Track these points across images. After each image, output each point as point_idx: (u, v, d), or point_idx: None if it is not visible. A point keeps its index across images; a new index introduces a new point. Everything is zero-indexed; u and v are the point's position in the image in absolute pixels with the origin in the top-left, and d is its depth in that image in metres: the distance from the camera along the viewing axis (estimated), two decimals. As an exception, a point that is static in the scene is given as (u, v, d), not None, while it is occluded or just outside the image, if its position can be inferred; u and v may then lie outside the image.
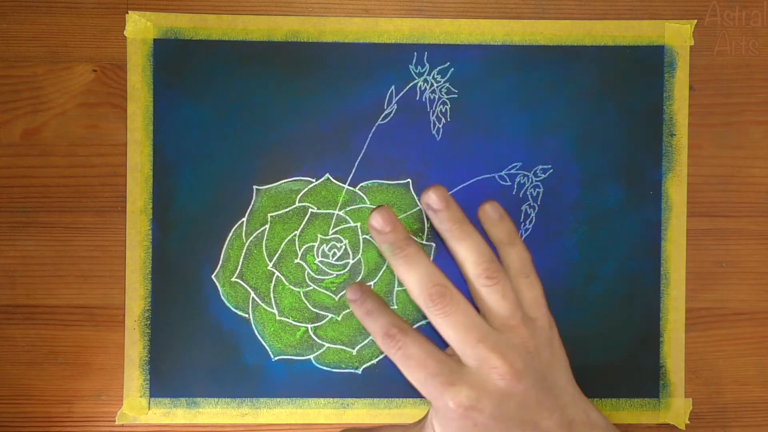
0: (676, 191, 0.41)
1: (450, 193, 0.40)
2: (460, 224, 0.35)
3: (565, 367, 0.36)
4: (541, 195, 0.41)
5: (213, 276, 0.40)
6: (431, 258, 0.40)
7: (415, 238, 0.40)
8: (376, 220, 0.35)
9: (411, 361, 0.34)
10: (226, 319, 0.40)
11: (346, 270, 0.41)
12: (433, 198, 0.35)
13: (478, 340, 0.33)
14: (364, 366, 0.41)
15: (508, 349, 0.33)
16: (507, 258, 0.36)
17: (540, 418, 0.34)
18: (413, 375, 0.34)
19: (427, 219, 0.41)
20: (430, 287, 0.34)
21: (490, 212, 0.36)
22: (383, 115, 0.41)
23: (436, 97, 0.41)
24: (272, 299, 0.40)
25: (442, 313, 0.33)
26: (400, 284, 0.40)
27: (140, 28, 0.40)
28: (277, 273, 0.41)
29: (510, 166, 0.41)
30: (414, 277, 0.34)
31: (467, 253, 0.34)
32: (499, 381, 0.33)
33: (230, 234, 0.40)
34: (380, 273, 0.41)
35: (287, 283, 0.41)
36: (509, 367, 0.33)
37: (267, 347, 0.40)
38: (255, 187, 0.40)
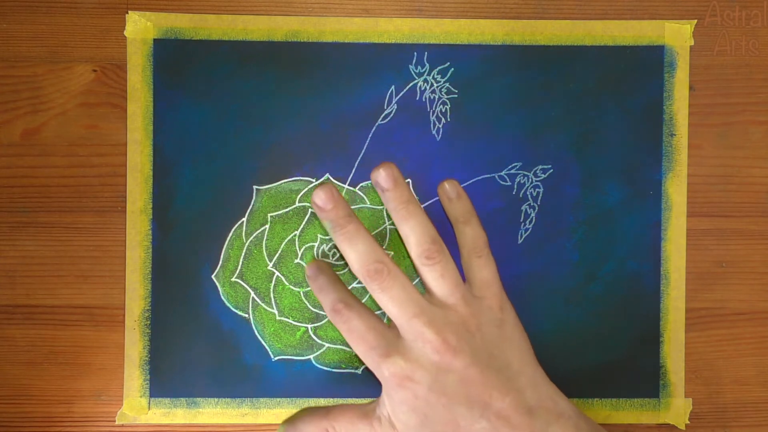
0: (676, 191, 0.41)
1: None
2: (406, 204, 0.35)
3: (522, 349, 0.35)
4: (541, 195, 0.41)
5: (213, 276, 0.40)
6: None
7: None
8: (319, 197, 0.35)
9: (353, 334, 0.35)
10: (226, 319, 0.40)
11: (346, 270, 0.41)
12: (382, 176, 0.35)
13: (414, 314, 0.34)
14: (364, 366, 0.41)
15: (443, 325, 0.34)
16: (461, 236, 0.37)
17: (489, 398, 0.34)
18: (356, 347, 0.35)
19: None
20: (369, 263, 0.34)
21: (448, 190, 0.37)
22: (383, 115, 0.41)
23: (436, 97, 0.41)
24: (272, 299, 0.40)
25: (380, 288, 0.34)
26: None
27: (140, 28, 0.40)
28: (277, 273, 0.41)
29: (510, 166, 0.41)
30: (355, 253, 0.35)
31: (410, 232, 0.35)
32: (432, 355, 0.34)
33: (230, 234, 0.40)
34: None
35: (287, 283, 0.41)
36: (442, 341, 0.34)
37: (267, 347, 0.40)
38: (255, 187, 0.40)
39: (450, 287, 0.35)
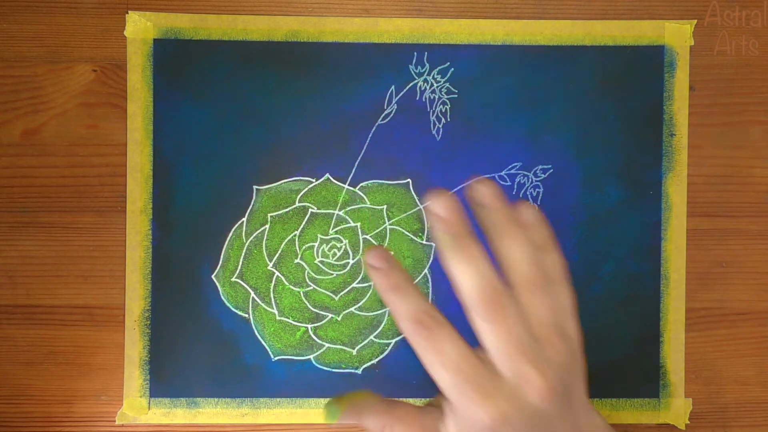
0: (676, 191, 0.41)
1: (450, 192, 0.40)
2: (508, 222, 0.31)
3: (583, 375, 0.33)
4: (541, 195, 0.41)
5: (213, 276, 0.40)
6: (431, 259, 0.40)
7: (416, 238, 0.40)
8: (439, 206, 0.31)
9: (444, 359, 0.30)
10: (226, 319, 0.40)
11: (346, 270, 0.40)
12: (483, 191, 0.31)
13: (520, 351, 0.30)
14: (364, 366, 0.41)
15: (545, 364, 0.31)
16: (544, 263, 0.33)
17: (556, 429, 0.31)
18: (442, 375, 0.30)
19: (427, 219, 0.41)
20: (485, 286, 0.30)
21: (526, 214, 0.33)
22: (383, 115, 0.41)
23: (436, 97, 0.41)
24: (272, 299, 0.40)
25: (492, 319, 0.30)
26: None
27: (140, 28, 0.40)
28: (277, 273, 0.41)
29: (510, 166, 0.41)
30: (470, 274, 0.31)
31: (509, 255, 0.31)
32: (534, 397, 0.31)
33: (230, 234, 0.40)
34: (380, 273, 0.41)
35: (287, 283, 0.41)
36: (546, 384, 0.30)
37: (267, 347, 0.40)
38: (255, 187, 0.40)
39: (550, 318, 0.32)
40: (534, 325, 0.31)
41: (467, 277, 0.31)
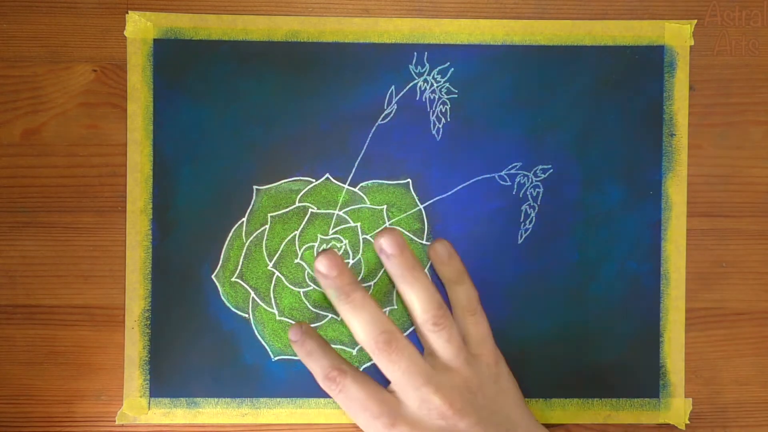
0: (676, 191, 0.41)
1: (450, 193, 0.40)
2: (411, 270, 0.36)
3: (517, 399, 0.37)
4: (541, 195, 0.41)
5: (213, 276, 0.40)
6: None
7: (416, 238, 0.40)
8: (322, 264, 0.35)
9: (353, 403, 0.35)
10: (226, 319, 0.40)
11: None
12: (387, 242, 0.36)
13: (423, 383, 0.35)
14: (364, 366, 0.41)
15: (449, 390, 0.35)
16: (454, 296, 0.38)
17: None
18: (356, 417, 0.35)
19: (428, 220, 0.41)
20: (376, 334, 0.35)
21: (440, 251, 0.37)
22: (383, 115, 0.41)
23: (436, 97, 0.41)
24: (272, 299, 0.40)
25: (389, 360, 0.35)
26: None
27: (140, 28, 0.40)
28: (277, 273, 0.41)
29: (510, 166, 0.41)
30: (361, 324, 0.35)
31: (416, 298, 0.36)
32: (438, 420, 0.34)
33: (230, 234, 0.40)
34: (380, 273, 0.41)
35: (287, 283, 0.41)
36: (449, 406, 0.34)
37: (267, 347, 0.40)
38: (255, 187, 0.40)
39: (455, 351, 0.36)
40: (438, 358, 0.36)
41: (356, 325, 0.35)
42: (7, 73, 0.40)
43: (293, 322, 0.40)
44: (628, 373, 0.41)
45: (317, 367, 0.36)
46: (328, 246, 0.41)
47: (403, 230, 0.41)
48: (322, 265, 0.35)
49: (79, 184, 0.40)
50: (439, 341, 0.36)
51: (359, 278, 0.41)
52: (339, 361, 0.36)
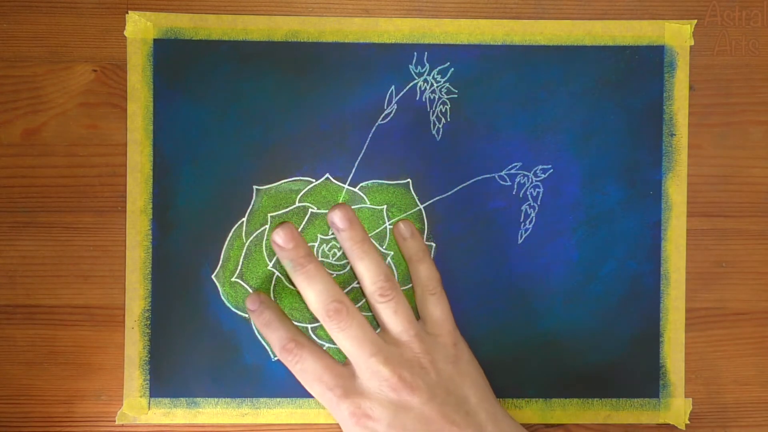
0: (676, 191, 0.41)
1: (450, 193, 0.40)
2: (360, 243, 0.37)
3: (479, 385, 0.37)
4: (541, 195, 0.41)
5: (213, 276, 0.40)
6: (432, 257, 0.40)
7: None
8: (279, 236, 0.36)
9: (308, 375, 0.36)
10: (226, 319, 0.40)
11: (346, 270, 0.40)
12: (338, 216, 0.37)
13: (372, 353, 0.35)
14: (364, 366, 0.41)
15: (398, 363, 0.35)
16: (415, 274, 0.39)
17: (423, 417, 0.35)
18: (311, 388, 0.36)
19: (428, 220, 0.41)
20: (328, 303, 0.36)
21: (402, 230, 0.39)
22: (383, 115, 0.41)
23: (436, 97, 0.41)
24: (272, 299, 0.40)
25: (338, 328, 0.36)
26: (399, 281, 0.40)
27: (140, 28, 0.40)
28: (277, 273, 0.41)
29: (510, 166, 0.41)
30: (314, 293, 0.36)
31: (365, 270, 0.37)
32: (390, 392, 0.35)
33: (230, 234, 0.40)
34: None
35: (287, 283, 0.41)
36: (398, 378, 0.35)
37: (267, 347, 0.40)
38: (255, 187, 0.40)
39: (404, 324, 0.36)
40: (388, 332, 0.37)
41: (310, 294, 0.36)
42: (7, 73, 0.40)
43: (293, 322, 0.40)
44: (628, 373, 0.41)
45: (275, 337, 0.37)
46: (329, 246, 0.41)
47: (403, 230, 0.41)
48: (279, 237, 0.36)
49: (79, 184, 0.40)
50: (386, 311, 0.36)
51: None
52: (296, 333, 0.37)
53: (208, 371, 0.40)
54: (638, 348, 0.41)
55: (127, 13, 0.40)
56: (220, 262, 0.40)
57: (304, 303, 0.40)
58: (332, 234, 0.41)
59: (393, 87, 0.41)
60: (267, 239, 0.40)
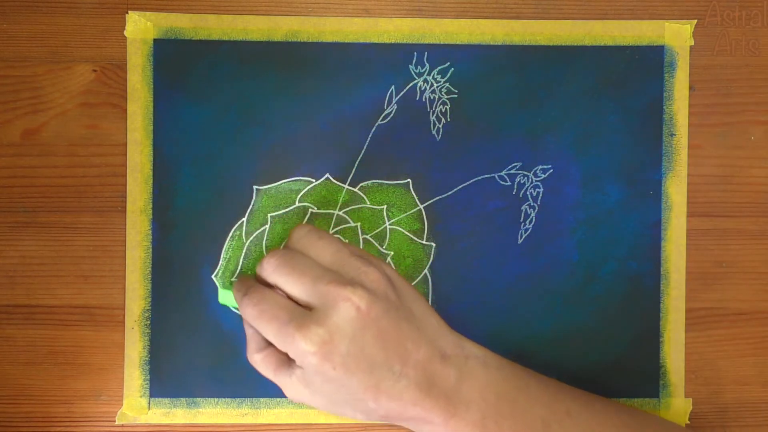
0: (676, 191, 0.41)
1: (450, 193, 0.41)
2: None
3: (420, 300, 0.36)
4: (541, 195, 0.41)
5: (213, 276, 0.40)
6: (431, 259, 0.40)
7: (415, 238, 0.40)
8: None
9: (264, 315, 0.34)
10: (226, 319, 0.40)
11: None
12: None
13: (314, 280, 0.34)
14: (364, 366, 0.40)
15: (345, 280, 0.34)
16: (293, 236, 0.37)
17: (405, 351, 0.34)
18: (268, 327, 0.34)
19: (428, 220, 0.41)
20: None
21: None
22: (383, 115, 0.41)
23: (436, 97, 0.41)
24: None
25: (282, 273, 0.35)
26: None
27: (140, 28, 0.40)
28: (277, 273, 0.41)
29: (510, 166, 0.41)
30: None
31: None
32: (346, 311, 0.33)
33: (230, 234, 0.40)
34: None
35: (287, 283, 0.40)
36: (351, 292, 0.33)
37: (267, 347, 0.40)
38: (255, 187, 0.40)
39: (334, 250, 0.35)
40: (326, 263, 0.35)
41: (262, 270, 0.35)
42: (7, 73, 0.40)
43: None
44: (628, 373, 0.41)
45: (239, 291, 0.36)
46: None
47: (403, 230, 0.41)
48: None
49: (79, 184, 0.40)
50: (311, 253, 0.35)
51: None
52: (259, 285, 0.36)
53: (208, 371, 0.40)
54: (638, 348, 0.41)
55: (127, 13, 0.40)
56: (220, 262, 0.40)
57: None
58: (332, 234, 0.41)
59: (393, 87, 0.41)
60: (267, 239, 0.40)
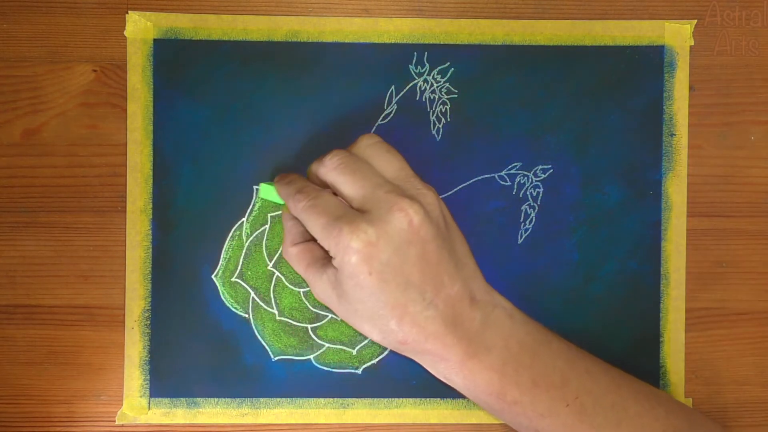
0: (676, 191, 0.41)
1: (450, 193, 0.41)
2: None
3: (464, 241, 0.36)
4: (541, 195, 0.41)
5: (213, 276, 0.40)
6: None
7: None
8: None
9: (316, 209, 0.34)
10: (226, 319, 0.40)
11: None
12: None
13: (374, 186, 0.34)
14: (364, 366, 0.41)
15: (405, 193, 0.34)
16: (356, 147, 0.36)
17: (441, 283, 0.34)
18: (317, 221, 0.34)
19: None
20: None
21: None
22: (383, 115, 0.41)
23: (436, 97, 0.41)
24: (272, 299, 0.40)
25: (343, 178, 0.34)
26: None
27: (140, 28, 0.40)
28: (277, 273, 0.41)
29: (510, 166, 0.41)
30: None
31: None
32: (399, 220, 0.33)
33: (230, 234, 0.40)
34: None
35: (287, 283, 0.41)
36: (408, 204, 0.33)
37: (267, 347, 0.40)
38: (255, 187, 0.40)
39: (398, 167, 0.35)
40: (388, 176, 0.35)
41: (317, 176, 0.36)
42: (7, 73, 0.40)
43: (293, 323, 0.40)
44: (627, 373, 0.41)
45: (291, 188, 0.36)
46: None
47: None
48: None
49: (79, 184, 0.40)
50: (379, 161, 0.35)
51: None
52: (314, 185, 0.36)
53: (208, 371, 0.40)
54: (638, 348, 0.41)
55: (127, 13, 0.40)
56: (220, 262, 0.40)
57: (304, 303, 0.41)
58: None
59: (393, 87, 0.41)
60: (267, 239, 0.41)
